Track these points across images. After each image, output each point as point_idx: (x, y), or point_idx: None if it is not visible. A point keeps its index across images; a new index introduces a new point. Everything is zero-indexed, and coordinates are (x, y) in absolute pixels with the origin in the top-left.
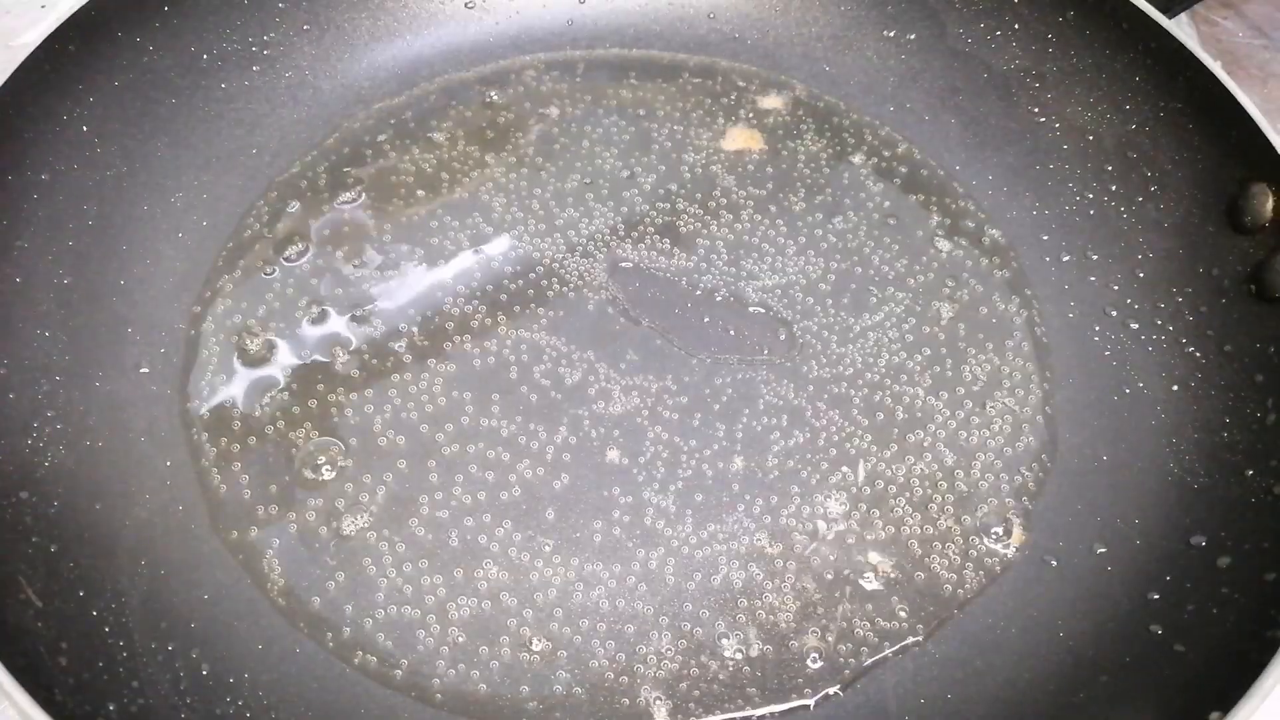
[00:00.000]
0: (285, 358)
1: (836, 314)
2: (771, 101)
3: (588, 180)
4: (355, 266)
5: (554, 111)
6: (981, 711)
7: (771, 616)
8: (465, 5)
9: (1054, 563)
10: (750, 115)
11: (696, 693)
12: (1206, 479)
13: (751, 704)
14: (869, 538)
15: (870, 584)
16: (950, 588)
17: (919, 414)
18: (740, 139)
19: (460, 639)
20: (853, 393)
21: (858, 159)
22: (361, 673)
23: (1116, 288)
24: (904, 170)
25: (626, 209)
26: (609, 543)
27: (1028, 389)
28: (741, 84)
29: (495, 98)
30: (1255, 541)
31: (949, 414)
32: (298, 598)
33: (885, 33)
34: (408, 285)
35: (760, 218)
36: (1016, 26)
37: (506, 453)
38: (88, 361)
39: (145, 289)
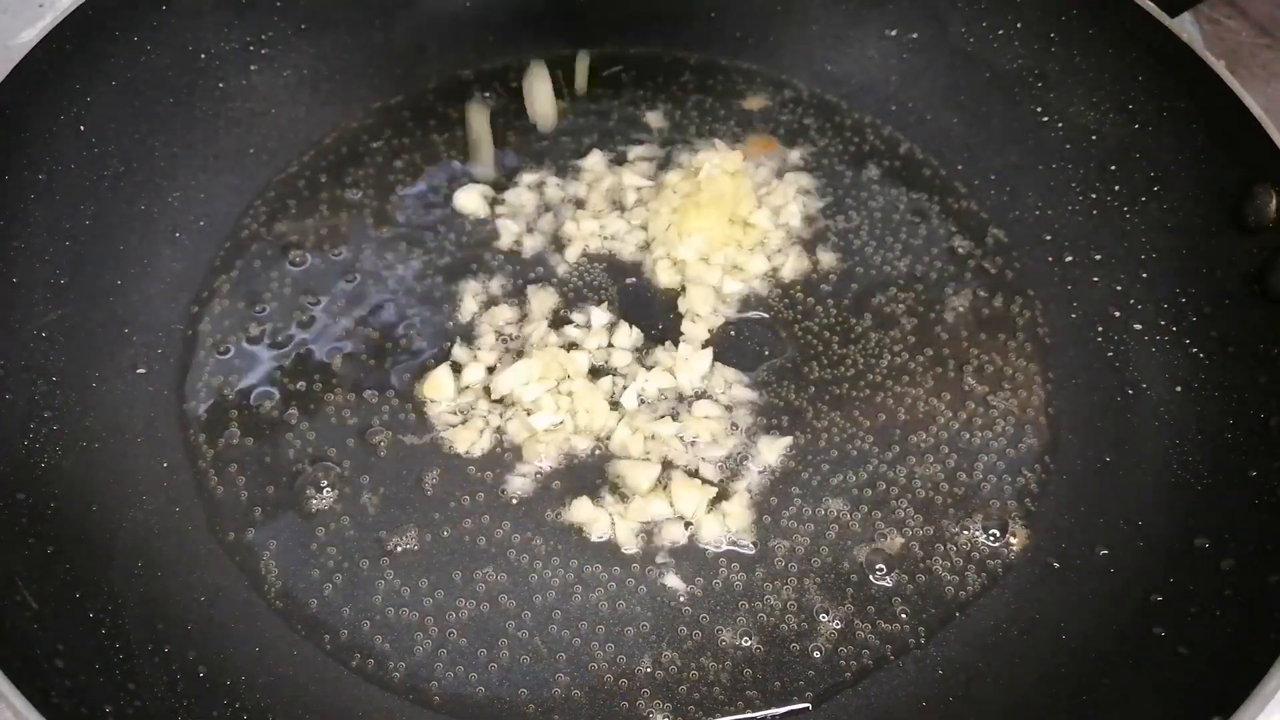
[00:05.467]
0: (283, 358)
1: (837, 314)
2: (756, 102)
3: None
4: (353, 267)
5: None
6: (982, 714)
7: (772, 619)
8: (465, 5)
9: (1056, 564)
10: (759, 122)
11: (697, 695)
12: (1210, 481)
13: (752, 706)
14: (870, 540)
15: (871, 586)
16: (952, 589)
17: (921, 415)
18: (757, 146)
19: (458, 641)
20: (854, 394)
21: (859, 159)
22: (359, 675)
23: (1119, 288)
24: (906, 170)
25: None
26: (608, 544)
27: (1030, 390)
28: (741, 84)
29: (495, 98)
30: (1259, 544)
31: (951, 415)
32: (295, 600)
33: (887, 32)
34: (407, 286)
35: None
36: (1019, 26)
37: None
38: (85, 362)
39: (142, 289)
